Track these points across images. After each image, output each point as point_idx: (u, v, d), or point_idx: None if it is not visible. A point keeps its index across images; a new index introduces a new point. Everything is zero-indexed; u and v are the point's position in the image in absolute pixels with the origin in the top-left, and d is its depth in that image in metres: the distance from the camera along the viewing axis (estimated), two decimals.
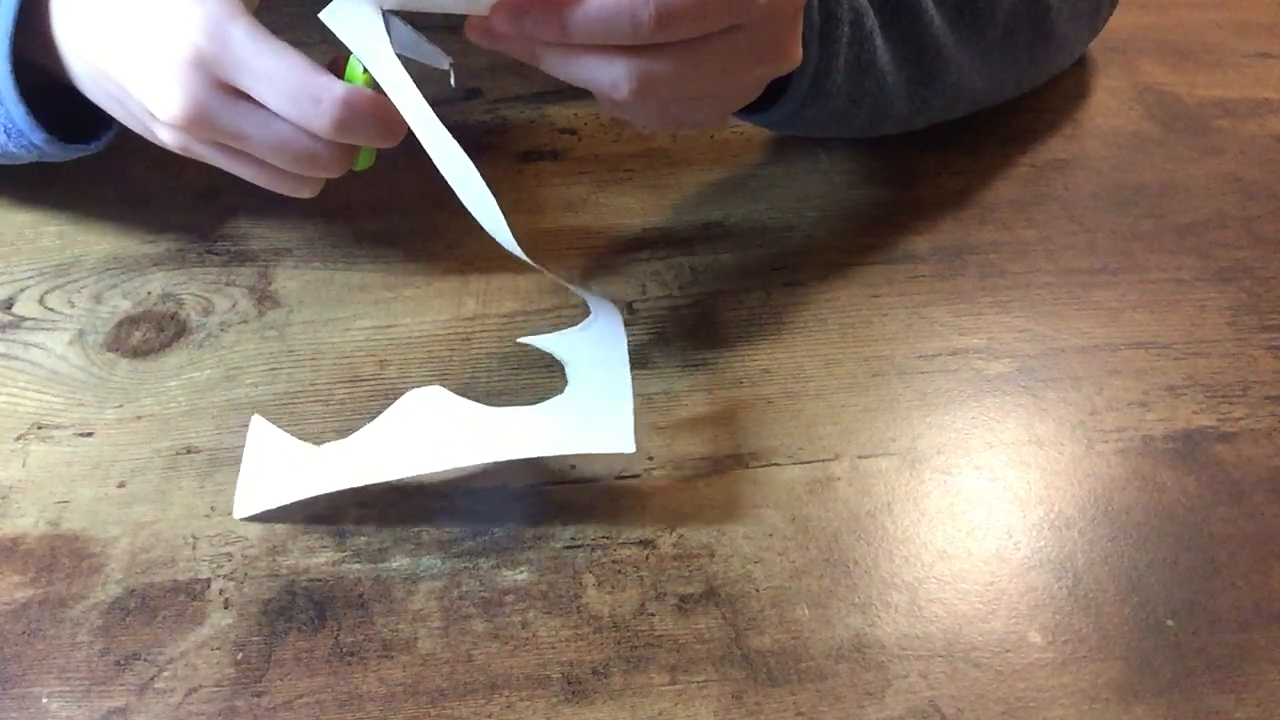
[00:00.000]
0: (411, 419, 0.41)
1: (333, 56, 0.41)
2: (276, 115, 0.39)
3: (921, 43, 0.50)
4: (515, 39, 0.38)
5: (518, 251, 0.39)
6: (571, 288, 0.42)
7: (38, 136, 0.45)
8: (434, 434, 0.41)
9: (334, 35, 0.40)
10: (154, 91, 0.39)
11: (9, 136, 0.45)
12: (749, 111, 0.50)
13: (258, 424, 0.43)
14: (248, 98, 0.39)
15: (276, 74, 0.38)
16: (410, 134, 0.40)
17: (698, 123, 0.44)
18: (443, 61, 0.40)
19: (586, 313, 0.44)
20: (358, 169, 0.43)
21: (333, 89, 0.38)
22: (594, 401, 0.41)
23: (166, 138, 0.41)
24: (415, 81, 0.39)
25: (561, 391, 0.42)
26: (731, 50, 0.39)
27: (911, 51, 0.50)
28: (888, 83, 0.50)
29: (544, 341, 0.46)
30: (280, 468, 0.41)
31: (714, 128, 0.60)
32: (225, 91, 0.39)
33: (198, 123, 0.39)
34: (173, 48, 0.38)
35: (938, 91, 0.53)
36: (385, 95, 0.39)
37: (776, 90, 0.47)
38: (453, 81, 0.40)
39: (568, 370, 0.44)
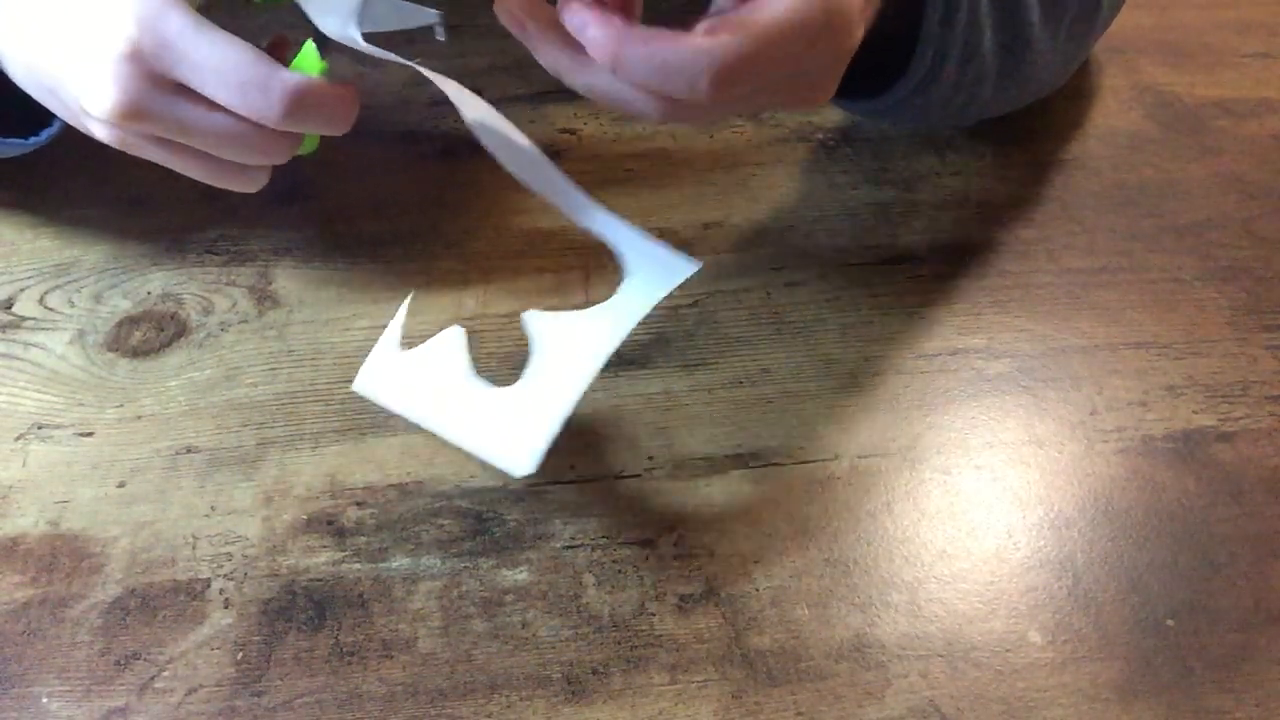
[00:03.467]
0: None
1: (273, 39, 0.39)
2: (216, 107, 0.38)
3: (1018, 30, 0.49)
4: (540, 39, 0.37)
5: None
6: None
7: None
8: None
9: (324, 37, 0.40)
10: (87, 86, 0.38)
11: None
12: (854, 98, 0.49)
13: (404, 312, 0.43)
14: (187, 90, 0.38)
15: (220, 65, 0.37)
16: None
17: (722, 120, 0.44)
18: (429, 17, 0.39)
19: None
20: (302, 154, 0.42)
21: (281, 79, 0.37)
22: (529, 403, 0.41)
23: (101, 133, 0.40)
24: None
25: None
26: (762, 92, 0.38)
27: (1009, 38, 0.49)
28: (985, 69, 0.49)
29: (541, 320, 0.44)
30: (401, 374, 0.42)
31: (716, 125, 0.60)
32: (162, 85, 0.38)
33: (133, 117, 0.38)
34: (107, 42, 0.37)
35: (1017, 80, 0.52)
36: (335, 83, 0.39)
37: (887, 75, 0.47)
38: (440, 35, 0.39)
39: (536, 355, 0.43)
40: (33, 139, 0.47)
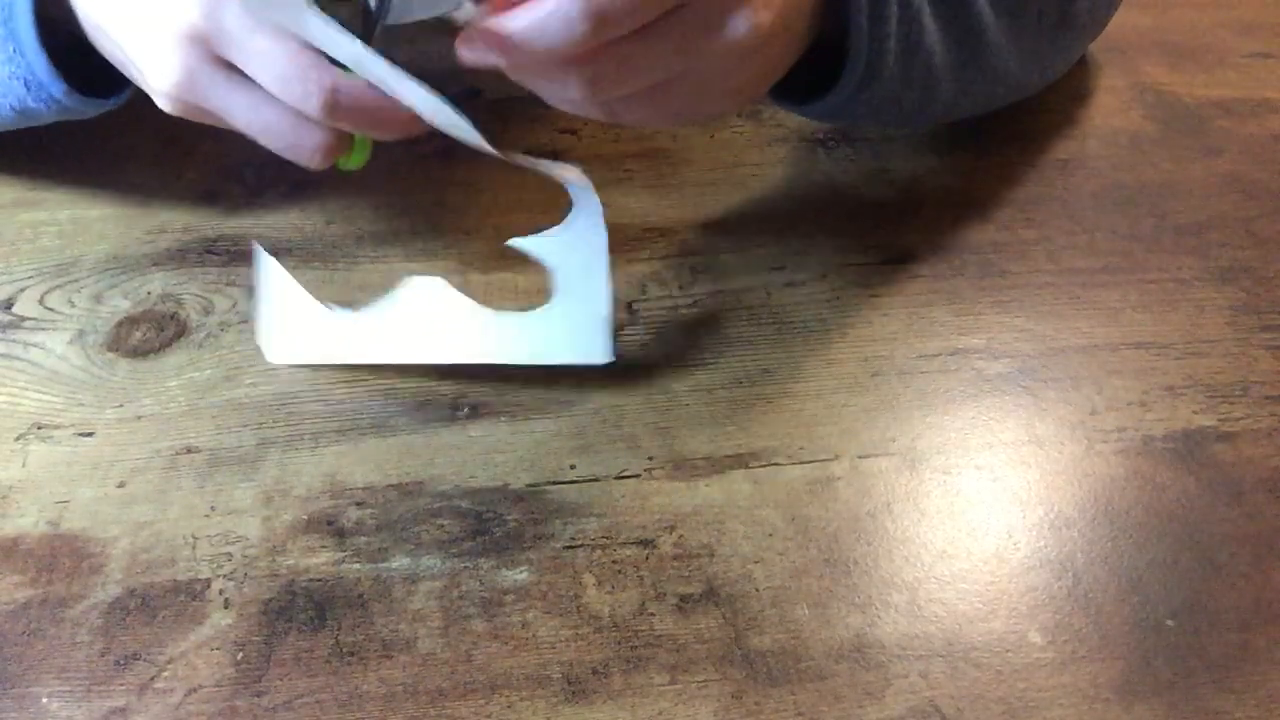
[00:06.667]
0: (413, 306, 0.44)
1: None
2: (266, 98, 0.40)
3: (967, 22, 0.50)
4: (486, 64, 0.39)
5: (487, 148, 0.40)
6: (540, 166, 0.42)
7: (58, 89, 0.46)
8: (433, 325, 0.44)
9: None
10: (149, 61, 0.41)
11: (29, 90, 0.46)
12: (800, 103, 0.49)
13: (264, 260, 0.45)
14: (239, 74, 0.40)
15: (269, 53, 0.39)
16: (408, 136, 0.40)
17: (704, 115, 0.44)
18: (453, 3, 0.39)
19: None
20: (346, 168, 0.43)
21: (320, 71, 0.39)
22: (574, 311, 0.44)
23: (163, 104, 0.43)
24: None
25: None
26: (681, 28, 0.38)
27: (956, 30, 0.49)
28: (935, 62, 0.49)
29: (529, 244, 0.46)
30: (296, 322, 0.45)
31: (716, 124, 0.60)
32: (219, 66, 0.40)
33: (188, 94, 0.41)
34: (170, 21, 0.40)
35: (978, 74, 0.52)
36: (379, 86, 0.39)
37: (829, 79, 0.47)
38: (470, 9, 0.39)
39: (554, 277, 0.45)
40: (113, 99, 0.49)
